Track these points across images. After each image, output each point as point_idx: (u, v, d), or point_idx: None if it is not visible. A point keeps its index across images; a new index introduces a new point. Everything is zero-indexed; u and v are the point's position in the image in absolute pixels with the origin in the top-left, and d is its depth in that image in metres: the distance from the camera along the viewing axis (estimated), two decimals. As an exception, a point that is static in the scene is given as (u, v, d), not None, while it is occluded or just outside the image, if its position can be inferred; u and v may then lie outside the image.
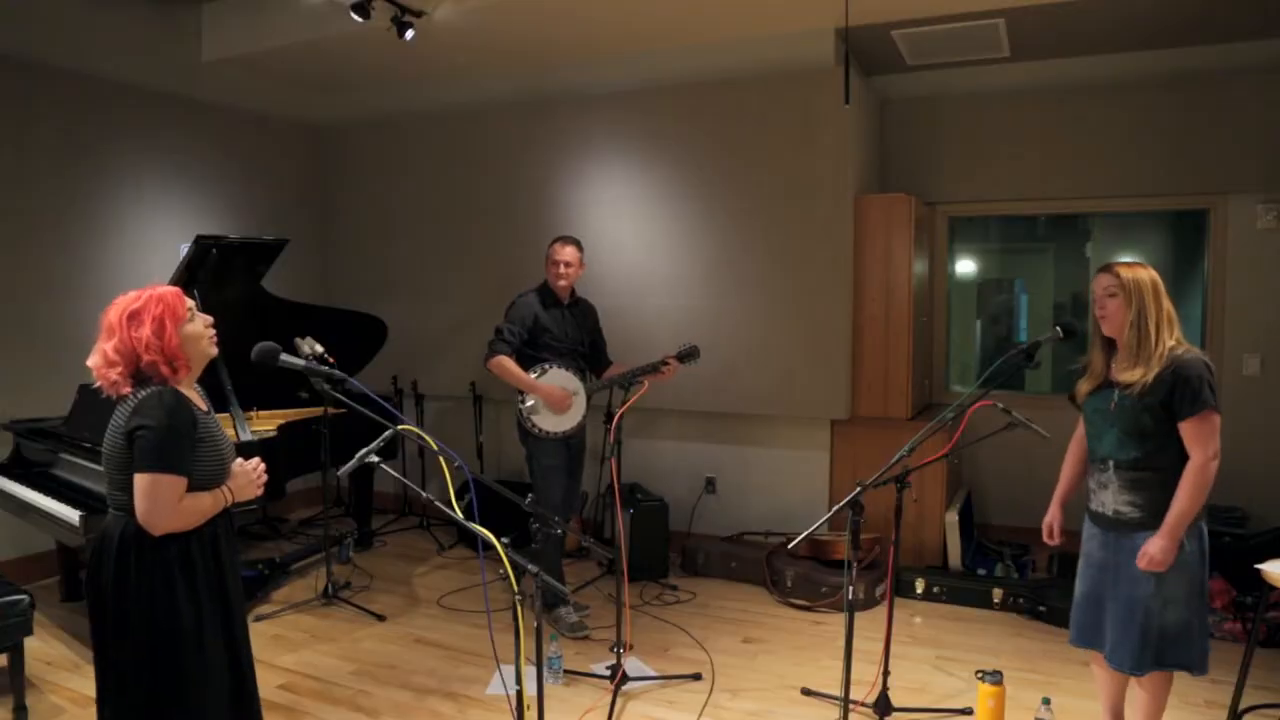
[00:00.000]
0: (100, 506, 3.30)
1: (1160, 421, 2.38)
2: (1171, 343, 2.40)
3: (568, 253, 3.97)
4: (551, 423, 3.92)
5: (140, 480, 1.90)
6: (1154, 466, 2.40)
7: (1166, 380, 2.36)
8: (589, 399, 4.00)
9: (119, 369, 1.95)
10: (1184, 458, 2.36)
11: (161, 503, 1.90)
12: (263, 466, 2.19)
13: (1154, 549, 2.35)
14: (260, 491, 2.18)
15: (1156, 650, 2.40)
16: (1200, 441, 2.33)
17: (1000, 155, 5.12)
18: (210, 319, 2.11)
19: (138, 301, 1.99)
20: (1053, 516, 2.74)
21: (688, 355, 3.94)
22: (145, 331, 1.95)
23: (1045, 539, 2.74)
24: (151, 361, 1.95)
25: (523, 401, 3.91)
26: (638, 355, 4.28)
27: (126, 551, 1.94)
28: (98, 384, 1.99)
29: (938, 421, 2.87)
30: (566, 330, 4.02)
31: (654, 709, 3.20)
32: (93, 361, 1.98)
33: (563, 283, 3.98)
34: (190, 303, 2.07)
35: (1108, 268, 2.51)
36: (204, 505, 2.00)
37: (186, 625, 1.97)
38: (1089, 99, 4.89)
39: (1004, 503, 5.24)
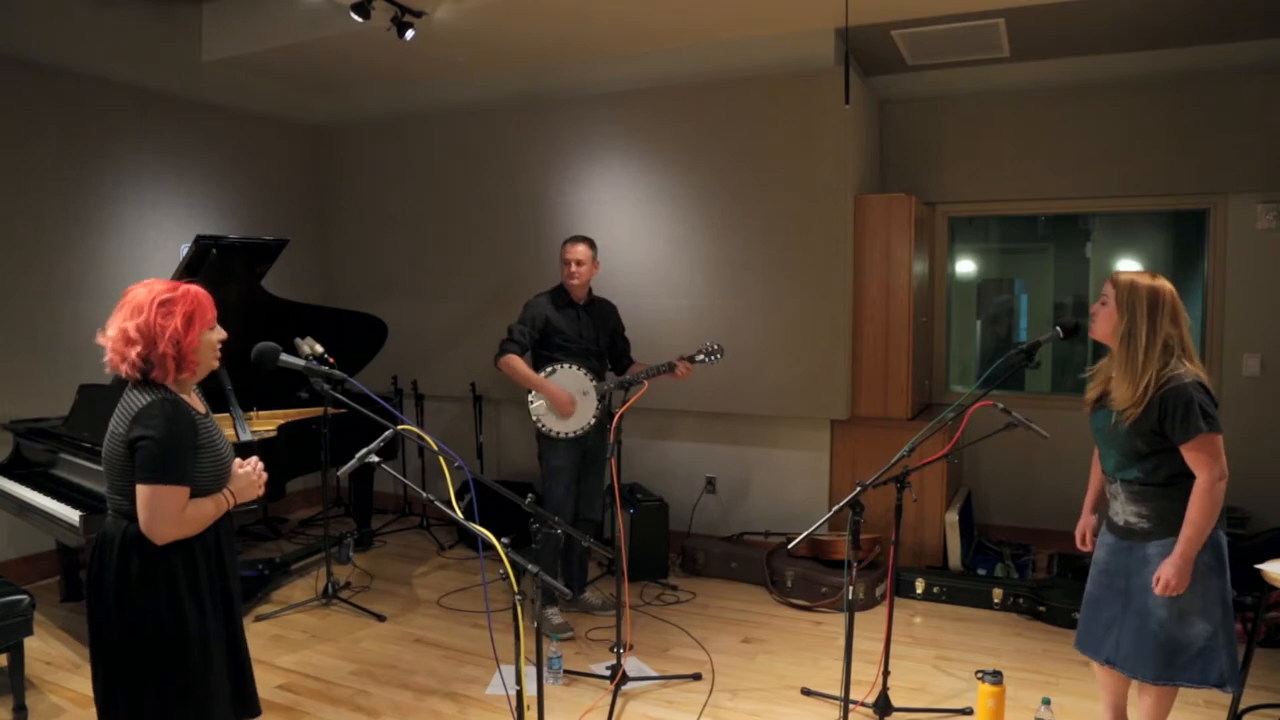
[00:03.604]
0: (100, 506, 3.31)
1: (1154, 443, 2.34)
2: (1171, 364, 2.33)
3: (578, 251, 3.95)
4: (557, 423, 3.92)
5: (142, 491, 1.89)
6: (1155, 481, 2.38)
7: (1154, 405, 2.31)
8: (601, 399, 4.00)
9: (138, 349, 1.92)
10: (1187, 468, 2.33)
11: (164, 513, 1.90)
12: (261, 466, 2.19)
13: (1167, 574, 2.30)
14: (261, 492, 2.17)
15: (1173, 662, 2.35)
16: (1202, 465, 2.29)
17: (1000, 155, 5.12)
18: (224, 334, 2.10)
19: (173, 292, 1.98)
20: (1085, 523, 2.70)
21: (706, 355, 3.88)
22: (175, 322, 1.94)
23: (1079, 545, 2.70)
24: (164, 354, 1.93)
25: (532, 400, 3.93)
26: (638, 355, 4.29)
27: (128, 556, 1.93)
28: (106, 359, 1.96)
29: (938, 421, 2.87)
30: (581, 330, 4.01)
31: (654, 709, 3.20)
32: (109, 335, 1.95)
33: (574, 281, 3.97)
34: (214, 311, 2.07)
35: (1115, 274, 2.47)
36: (207, 511, 2.00)
37: (192, 628, 1.97)
38: (1089, 99, 4.89)
39: (1004, 503, 5.25)
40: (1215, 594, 2.34)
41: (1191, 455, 2.30)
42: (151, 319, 1.93)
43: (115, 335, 1.94)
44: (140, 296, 1.95)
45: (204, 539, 2.02)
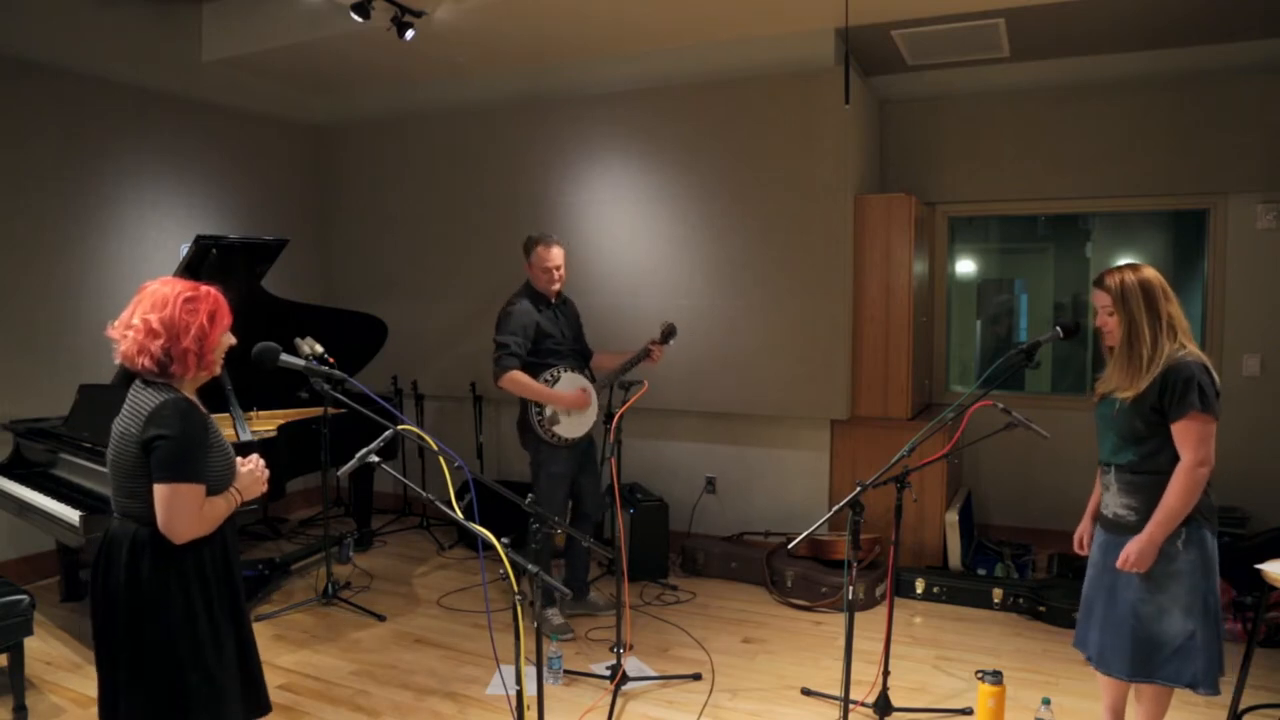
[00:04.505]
0: (100, 506, 3.31)
1: (1153, 425, 2.35)
2: (1173, 347, 2.36)
3: (557, 255, 3.88)
4: (571, 428, 3.87)
5: (161, 491, 1.88)
6: (1150, 470, 2.38)
7: (1157, 382, 2.33)
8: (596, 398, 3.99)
9: (161, 342, 1.91)
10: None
11: (184, 512, 1.90)
12: (263, 462, 2.19)
13: (1133, 548, 2.33)
14: (265, 488, 2.18)
15: (1149, 660, 2.35)
16: (1188, 444, 2.30)
17: (1000, 155, 5.12)
18: (234, 340, 2.11)
19: (195, 290, 1.99)
20: (1083, 528, 2.70)
21: (669, 335, 3.89)
22: (200, 318, 1.95)
23: (1076, 549, 2.71)
24: (186, 349, 1.93)
25: (540, 412, 3.84)
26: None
27: (139, 559, 1.92)
28: (120, 350, 1.94)
29: (938, 421, 2.88)
30: (562, 330, 3.97)
31: (654, 709, 3.20)
32: (132, 325, 1.93)
33: (555, 287, 3.92)
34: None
35: (1100, 280, 2.48)
36: (220, 509, 2.00)
37: (203, 629, 1.97)
38: (1089, 99, 4.89)
39: (1004, 503, 5.25)
40: (1198, 594, 2.34)
41: (1180, 432, 2.31)
42: (176, 313, 1.93)
43: (138, 326, 1.92)
44: (163, 291, 1.95)
45: (212, 539, 2.02)
